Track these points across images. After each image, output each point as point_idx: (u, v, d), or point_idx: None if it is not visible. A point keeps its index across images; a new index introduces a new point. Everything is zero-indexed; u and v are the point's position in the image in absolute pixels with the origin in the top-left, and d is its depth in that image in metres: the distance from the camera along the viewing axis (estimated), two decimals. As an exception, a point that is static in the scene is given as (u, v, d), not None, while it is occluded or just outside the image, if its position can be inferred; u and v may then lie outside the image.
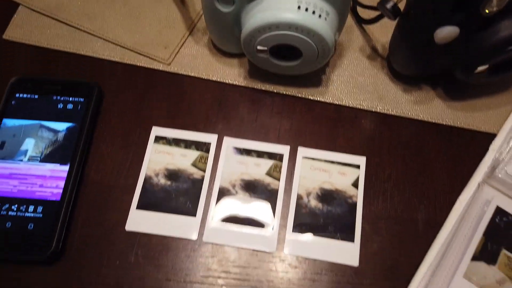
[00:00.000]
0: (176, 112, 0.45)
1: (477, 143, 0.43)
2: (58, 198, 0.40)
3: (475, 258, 0.35)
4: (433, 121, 0.44)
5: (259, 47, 0.40)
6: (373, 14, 0.48)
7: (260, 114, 0.45)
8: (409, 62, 0.42)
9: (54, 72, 0.47)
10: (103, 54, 0.48)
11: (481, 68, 0.38)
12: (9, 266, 0.38)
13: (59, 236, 0.38)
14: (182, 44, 0.48)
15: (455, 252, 0.36)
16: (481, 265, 0.35)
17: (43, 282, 0.38)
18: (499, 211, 0.37)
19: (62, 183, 0.40)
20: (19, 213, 0.39)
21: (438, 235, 0.39)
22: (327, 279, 0.38)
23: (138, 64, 0.47)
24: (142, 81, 0.47)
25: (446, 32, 0.35)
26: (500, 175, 0.38)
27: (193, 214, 0.41)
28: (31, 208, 0.39)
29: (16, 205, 0.39)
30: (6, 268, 0.38)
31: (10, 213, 0.39)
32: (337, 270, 0.39)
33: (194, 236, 0.40)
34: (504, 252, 0.36)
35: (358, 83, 0.46)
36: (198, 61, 0.47)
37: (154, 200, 0.41)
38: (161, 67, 0.47)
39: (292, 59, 0.41)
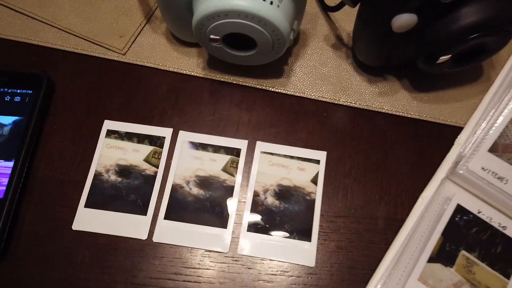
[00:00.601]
0: (130, 104, 0.43)
1: (443, 137, 0.41)
2: (1, 195, 0.38)
3: (432, 259, 0.34)
4: (398, 114, 0.42)
5: (211, 36, 0.38)
6: (338, 0, 0.46)
7: (219, 107, 0.43)
8: (372, 52, 0.40)
9: (4, 63, 0.45)
10: (55, 44, 0.45)
11: (443, 58, 0.36)
12: None
13: (1, 234, 0.36)
14: (139, 33, 0.46)
15: (411, 253, 0.34)
16: (438, 267, 0.34)
17: (-17, 285, 0.36)
18: (459, 209, 0.35)
19: (6, 180, 0.38)
20: (-42, 212, 0.37)
21: (398, 234, 0.37)
22: (282, 280, 0.37)
23: (92, 54, 0.45)
24: (95, 72, 0.44)
25: (404, 20, 0.33)
26: (461, 171, 0.36)
27: (144, 212, 0.39)
28: (-29, 206, 0.37)
29: (-45, 204, 0.37)
30: None
31: None
32: (293, 270, 0.37)
33: (143, 236, 0.38)
34: (463, 253, 0.34)
35: (321, 74, 0.44)
36: (155, 50, 0.45)
37: (103, 198, 0.39)
38: (115, 57, 0.45)
39: (247, 49, 0.39)
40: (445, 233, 0.35)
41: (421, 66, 0.39)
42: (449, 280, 0.33)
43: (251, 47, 0.39)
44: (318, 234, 0.38)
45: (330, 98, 0.43)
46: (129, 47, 0.45)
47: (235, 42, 0.39)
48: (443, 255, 0.34)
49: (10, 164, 0.39)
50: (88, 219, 0.38)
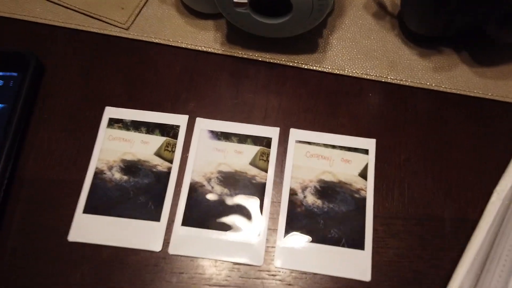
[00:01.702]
0: (135, 88, 0.36)
1: (514, 119, 0.34)
2: (-21, 201, 0.30)
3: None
4: (458, 92, 0.35)
5: (236, 0, 0.30)
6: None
7: (242, 89, 0.36)
8: (427, 18, 0.33)
9: (-18, 42, 0.37)
10: (44, 18, 0.38)
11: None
12: None
13: (-21, 251, 0.29)
14: (144, 4, 0.39)
15: (501, 263, 0.27)
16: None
17: (-43, 313, 0.29)
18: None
19: (-15, 182, 0.31)
20: None
21: (472, 238, 0.30)
22: (330, 298, 0.29)
23: (89, 30, 0.38)
24: (93, 51, 0.37)
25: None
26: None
27: (157, 218, 0.31)
28: None
29: None
30: None
31: None
32: (344, 286, 0.30)
33: (157, 247, 0.31)
34: None
35: (363, 48, 0.37)
36: (164, 24, 0.38)
37: (106, 200, 0.32)
38: (117, 32, 0.37)
39: (279, 14, 0.32)
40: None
41: (491, 32, 0.32)
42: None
43: (283, 13, 0.32)
44: (373, 241, 0.31)
45: (376, 76, 0.36)
46: (133, 20, 0.38)
47: (264, 7, 0.32)
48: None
49: (-10, 161, 0.31)
50: (88, 228, 0.31)
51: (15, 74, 0.35)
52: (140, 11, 0.38)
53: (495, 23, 0.31)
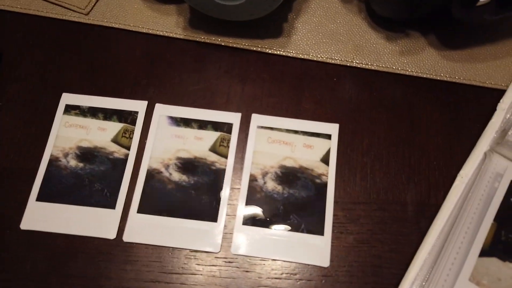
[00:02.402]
0: (95, 74, 0.35)
1: (481, 102, 0.33)
2: None
3: (484, 252, 0.26)
4: (425, 76, 0.34)
5: (191, -20, 0.30)
6: None
7: (205, 74, 0.35)
8: (393, 1, 0.32)
9: None
10: (3, 4, 0.37)
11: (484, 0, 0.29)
12: None
13: None
14: (105, -11, 0.38)
15: (457, 245, 0.26)
16: (493, 262, 0.26)
17: None
18: (515, 188, 0.27)
19: None
20: None
21: (433, 222, 0.29)
22: (288, 285, 0.29)
23: (48, 15, 0.37)
24: (51, 36, 0.36)
25: None
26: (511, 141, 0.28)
27: (112, 206, 0.31)
28: None
29: None
30: None
31: None
32: (302, 272, 0.29)
33: (111, 235, 0.30)
34: (525, 243, 0.26)
35: (328, 32, 0.36)
36: (124, 9, 0.37)
37: (60, 188, 0.31)
38: (77, 17, 0.37)
39: (237, -5, 0.31)
40: (499, 218, 0.27)
41: (456, 12, 0.31)
42: (510, 279, 0.25)
43: (241, -6, 0.31)
44: (333, 226, 0.30)
45: (341, 60, 0.35)
46: (93, 5, 0.37)
47: (222, -13, 0.31)
48: (499, 246, 0.26)
49: None
50: (41, 216, 0.30)
51: (-30, 60, 0.34)
52: (101, -4, 0.37)
53: (458, 3, 0.30)
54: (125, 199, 0.31)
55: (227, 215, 0.30)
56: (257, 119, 0.33)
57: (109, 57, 0.35)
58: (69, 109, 0.33)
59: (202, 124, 0.33)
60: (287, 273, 0.29)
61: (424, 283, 0.27)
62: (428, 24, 0.36)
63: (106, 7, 0.37)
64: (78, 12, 0.37)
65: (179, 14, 0.36)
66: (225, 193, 0.31)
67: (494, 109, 0.32)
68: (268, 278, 0.29)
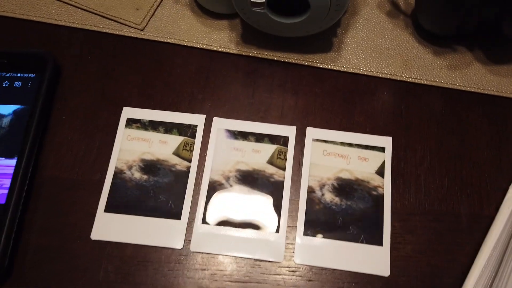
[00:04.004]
0: (152, 88, 0.36)
1: (528, 116, 0.35)
2: (3, 200, 0.31)
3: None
4: (473, 90, 0.35)
5: (254, 0, 0.31)
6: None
7: (258, 88, 0.36)
8: (442, 16, 0.34)
9: (-1, 43, 0.38)
10: (60, 20, 0.38)
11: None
12: None
13: (4, 249, 0.30)
14: (159, 5, 0.39)
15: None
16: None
17: (-16, 312, 0.29)
18: None
19: (8, 182, 0.31)
20: (-50, 223, 0.30)
21: (488, 233, 0.31)
22: (350, 294, 0.30)
23: (104, 31, 0.38)
24: (109, 52, 0.37)
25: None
26: None
27: (177, 216, 0.32)
28: (-34, 215, 0.30)
29: None
30: None
31: None
32: (363, 282, 0.30)
33: (179, 245, 0.31)
34: None
35: (377, 47, 0.37)
36: (178, 24, 0.38)
37: (127, 200, 0.32)
38: (132, 33, 0.38)
39: (296, 14, 0.32)
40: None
41: (507, 29, 0.32)
42: None
43: (300, 12, 0.32)
44: (391, 237, 0.31)
45: (391, 74, 0.36)
46: (148, 21, 0.38)
47: (282, 6, 0.32)
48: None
49: (13, 162, 0.32)
50: (110, 227, 0.32)
51: (33, 75, 0.35)
52: (154, 12, 0.39)
53: (509, 20, 0.31)
54: (190, 210, 0.32)
55: (287, 226, 0.32)
56: (312, 132, 0.34)
57: (165, 71, 0.37)
58: (130, 122, 0.35)
59: (259, 137, 0.34)
60: (349, 282, 0.30)
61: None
62: (474, 39, 0.37)
63: (160, 22, 0.38)
64: (133, 28, 0.38)
65: (231, 29, 0.38)
66: (285, 204, 0.32)
67: (542, 123, 0.33)
68: (331, 287, 0.30)
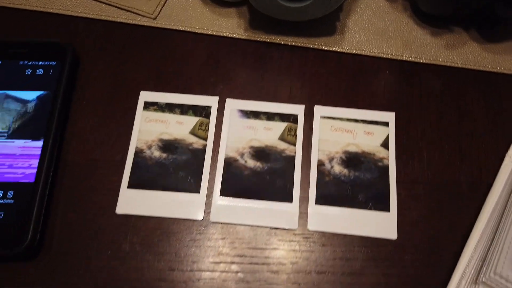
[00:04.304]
0: (167, 73, 0.38)
1: (521, 90, 0.37)
2: (32, 179, 0.33)
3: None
4: (469, 67, 0.38)
5: (264, -15, 0.33)
6: None
7: (267, 71, 0.38)
8: (439, 0, 0.36)
9: (19, 36, 0.39)
10: (76, 11, 0.40)
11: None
12: (-23, 265, 0.32)
13: (35, 225, 0.31)
14: (169, -5, 0.41)
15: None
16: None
17: (19, 282, 0.31)
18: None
19: (36, 162, 0.33)
20: (-16, 201, 0.32)
21: (487, 198, 0.33)
22: (361, 256, 0.32)
23: (118, 20, 0.40)
24: (124, 40, 0.39)
25: None
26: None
27: (197, 190, 0.34)
28: (-1, 193, 0.32)
29: (-20, 191, 0.32)
30: (-27, 268, 0.32)
31: (-27, 201, 0.32)
32: (373, 245, 0.32)
33: (199, 216, 0.33)
34: None
35: (378, 29, 0.39)
36: (188, 13, 0.40)
37: (148, 176, 0.34)
38: (145, 22, 0.40)
39: (303, -2, 0.35)
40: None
41: (500, 11, 0.34)
42: None
43: (307, -3, 0.34)
44: (397, 204, 0.33)
45: (392, 54, 0.38)
46: (160, 10, 0.40)
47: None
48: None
49: (40, 143, 0.34)
50: (134, 201, 0.34)
51: (54, 63, 0.37)
52: (166, 1, 0.41)
53: (504, 4, 0.33)
54: (208, 185, 0.34)
55: (300, 196, 0.34)
56: (319, 110, 0.37)
57: (178, 57, 0.39)
58: (147, 105, 0.37)
59: (270, 116, 0.36)
60: (359, 246, 0.32)
61: (487, 249, 0.30)
62: (469, 20, 0.39)
63: (171, 11, 0.40)
64: (146, 17, 0.40)
65: (239, 16, 0.40)
66: (297, 176, 0.34)
67: (534, 95, 0.36)
68: (342, 250, 0.32)
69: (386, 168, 0.34)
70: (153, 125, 0.36)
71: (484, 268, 0.29)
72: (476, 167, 0.35)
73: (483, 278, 0.28)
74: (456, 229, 0.33)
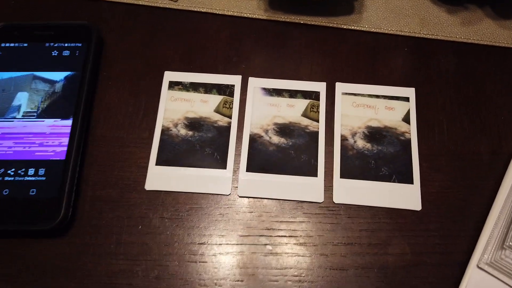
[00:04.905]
0: (190, 54, 0.39)
1: (537, 64, 0.38)
2: (63, 157, 0.33)
3: None
4: (486, 43, 0.38)
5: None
6: None
7: (287, 50, 0.39)
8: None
9: (45, 19, 0.40)
10: (97, -5, 0.41)
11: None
12: (11, 239, 0.32)
13: (68, 200, 0.32)
14: (189, -22, 0.41)
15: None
16: None
17: (52, 256, 0.32)
18: None
19: (66, 140, 0.34)
20: (17, 178, 0.33)
21: (508, 167, 0.34)
22: (387, 227, 0.33)
23: (140, 3, 0.41)
24: (147, 22, 0.40)
25: None
26: None
27: (223, 166, 0.35)
28: (31, 171, 0.33)
29: (13, 169, 0.33)
30: (7, 242, 0.32)
31: (6, 178, 0.33)
32: (397, 216, 0.33)
33: (227, 191, 0.34)
34: None
35: (395, 7, 0.40)
36: (209, -5, 0.41)
37: (175, 153, 0.35)
38: (167, 4, 0.40)
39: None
40: None
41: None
42: None
43: (328, -25, 0.35)
44: (420, 175, 0.34)
45: (409, 32, 0.39)
46: (180, -7, 0.41)
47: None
48: None
49: (69, 122, 0.34)
50: (162, 178, 0.34)
51: (79, 44, 0.37)
52: (186, -16, 0.41)
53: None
54: (234, 161, 0.35)
55: (325, 170, 0.35)
56: (341, 87, 0.37)
57: (200, 38, 0.39)
58: (172, 85, 0.37)
59: (293, 93, 0.37)
60: (384, 217, 0.33)
61: (510, 215, 0.31)
62: (484, -2, 0.40)
63: (191, -6, 0.41)
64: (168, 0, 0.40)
65: (259, -3, 0.40)
66: (321, 151, 0.35)
67: (551, 69, 0.36)
68: (368, 222, 0.33)
69: (408, 142, 0.35)
70: (178, 104, 0.37)
71: (510, 233, 0.29)
72: (496, 138, 0.35)
73: (510, 243, 0.29)
74: (478, 198, 0.33)
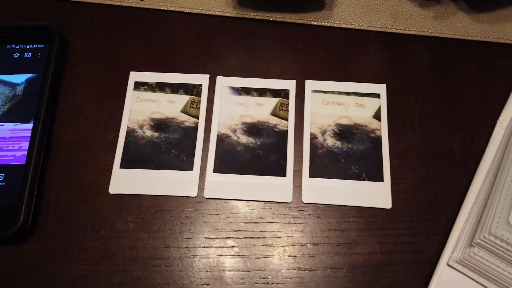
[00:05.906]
0: (156, 53, 0.38)
1: (510, 57, 0.37)
2: (23, 161, 0.32)
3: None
4: (459, 37, 0.38)
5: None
6: None
7: (257, 48, 0.38)
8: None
9: (7, 21, 0.39)
10: (62, -5, 0.40)
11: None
12: (-30, 248, 0.31)
13: (27, 206, 0.31)
14: (156, -24, 0.41)
15: (506, 183, 0.30)
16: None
17: (13, 263, 0.31)
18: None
19: (26, 144, 0.33)
20: (-25, 184, 0.32)
21: (480, 164, 0.33)
22: (356, 226, 0.32)
23: (106, 3, 0.40)
24: (113, 22, 0.39)
25: None
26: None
27: (190, 167, 0.34)
28: (-10, 176, 0.32)
29: (-30, 174, 0.32)
30: (-34, 252, 0.31)
31: (-36, 184, 0.32)
32: (367, 215, 0.32)
33: (193, 193, 0.33)
34: None
35: (366, 2, 0.39)
36: (176, -7, 0.40)
37: (140, 155, 0.34)
38: (133, 3, 0.39)
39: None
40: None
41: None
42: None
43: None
44: (390, 173, 0.33)
45: (381, 27, 0.38)
46: (147, -9, 0.40)
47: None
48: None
49: (29, 126, 0.34)
50: (127, 181, 0.33)
51: (41, 46, 0.37)
52: (153, -17, 0.40)
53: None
54: (201, 162, 0.34)
55: (294, 169, 0.34)
56: (311, 84, 0.36)
57: (167, 37, 0.38)
58: (138, 85, 0.36)
59: (261, 92, 0.36)
60: (354, 216, 0.32)
61: (481, 216, 0.30)
62: (457, -9, 0.39)
63: (159, -8, 0.40)
64: (134, -2, 0.40)
65: (227, -6, 0.40)
66: (290, 150, 0.34)
67: (524, 63, 0.36)
68: (338, 221, 0.32)
69: (378, 139, 0.34)
70: (144, 105, 0.36)
71: (479, 230, 0.29)
72: (469, 134, 0.35)
73: (478, 240, 0.28)
74: (450, 195, 0.33)
